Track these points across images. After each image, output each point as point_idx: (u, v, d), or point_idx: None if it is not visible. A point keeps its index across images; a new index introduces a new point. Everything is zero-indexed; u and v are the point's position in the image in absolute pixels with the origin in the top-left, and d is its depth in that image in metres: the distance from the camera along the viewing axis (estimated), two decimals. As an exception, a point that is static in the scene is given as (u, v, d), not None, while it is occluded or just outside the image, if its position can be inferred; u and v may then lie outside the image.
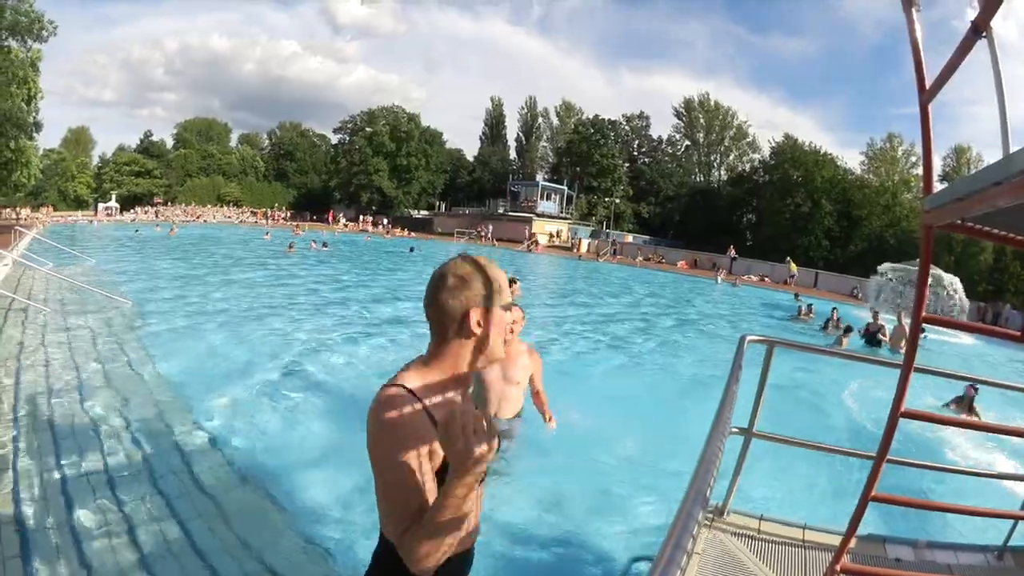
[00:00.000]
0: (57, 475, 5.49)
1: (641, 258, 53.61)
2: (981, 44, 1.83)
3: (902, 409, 2.26)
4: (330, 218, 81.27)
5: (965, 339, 21.11)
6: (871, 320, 18.22)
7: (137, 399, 7.78)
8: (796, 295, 32.64)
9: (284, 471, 6.05)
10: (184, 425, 7.04)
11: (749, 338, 3.81)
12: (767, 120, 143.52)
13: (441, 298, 2.17)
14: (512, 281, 17.57)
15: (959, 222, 1.97)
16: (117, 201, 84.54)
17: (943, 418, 2.99)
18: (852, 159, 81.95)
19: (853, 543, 2.88)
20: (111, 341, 10.98)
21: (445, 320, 2.18)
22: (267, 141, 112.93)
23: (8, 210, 61.10)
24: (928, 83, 2.01)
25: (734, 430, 3.64)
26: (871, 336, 17.54)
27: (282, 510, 5.29)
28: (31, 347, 9.99)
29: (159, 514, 4.95)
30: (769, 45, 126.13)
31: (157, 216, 77.56)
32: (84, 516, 4.81)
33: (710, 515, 4.13)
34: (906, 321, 17.90)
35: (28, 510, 4.85)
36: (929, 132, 2.06)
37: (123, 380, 8.60)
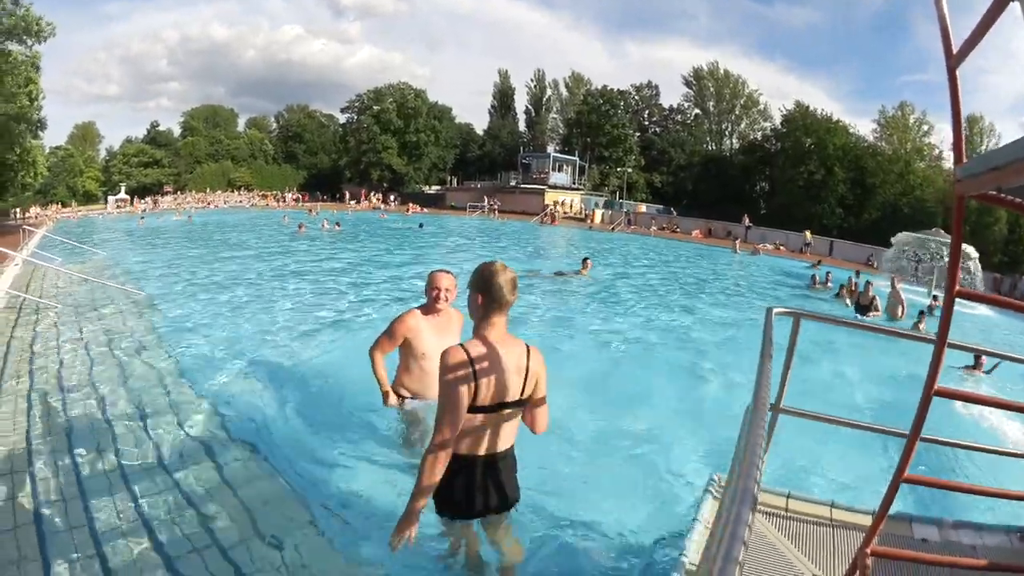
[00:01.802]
0: (74, 473, 5.45)
1: (655, 228, 53.14)
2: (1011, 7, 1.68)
3: (936, 387, 2.15)
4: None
5: (981, 310, 20.63)
6: (856, 288, 18.22)
7: (153, 392, 7.74)
8: (818, 262, 33.13)
9: (308, 462, 5.99)
10: (202, 416, 6.99)
11: (776, 310, 3.63)
12: (776, 89, 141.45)
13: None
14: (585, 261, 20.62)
15: (993, 192, 1.86)
16: (127, 192, 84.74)
17: (979, 397, 2.61)
18: (864, 127, 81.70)
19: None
20: (125, 334, 10.87)
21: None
22: (275, 124, 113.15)
23: (17, 210, 61.81)
24: (955, 48, 1.89)
25: None
26: (863, 308, 17.01)
27: (305, 501, 5.20)
28: (44, 345, 9.95)
29: (178, 509, 4.90)
30: (775, 13, 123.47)
31: (156, 205, 77.94)
32: (101, 513, 4.77)
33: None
34: (900, 286, 18.49)
35: (45, 510, 4.80)
36: (958, 99, 1.94)
37: (138, 373, 8.54)
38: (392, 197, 78.53)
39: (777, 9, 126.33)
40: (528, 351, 3.63)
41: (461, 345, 3.46)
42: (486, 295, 3.48)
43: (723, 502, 3.46)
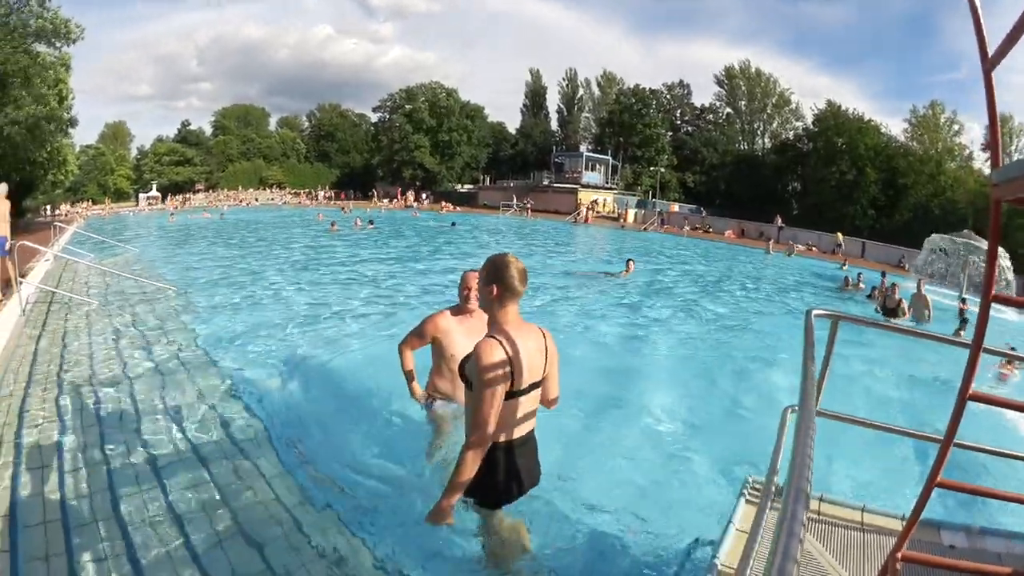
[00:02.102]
0: (103, 466, 5.48)
1: (688, 227, 52.68)
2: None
3: (970, 391, 2.12)
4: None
5: (1009, 313, 19.83)
6: (888, 291, 17.44)
7: (184, 386, 7.78)
8: (845, 263, 33.59)
9: (339, 458, 5.98)
10: (233, 412, 7.00)
11: (815, 312, 3.57)
12: (808, 88, 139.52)
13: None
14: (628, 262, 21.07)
15: (1030, 196, 1.83)
16: (158, 190, 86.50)
17: (1014, 403, 2.44)
18: (895, 127, 79.90)
19: (909, 529, 2.76)
20: (156, 328, 11.01)
21: None
22: (307, 123, 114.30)
23: (48, 207, 62.60)
24: (990, 50, 1.87)
25: (794, 408, 3.55)
26: (889, 311, 16.54)
27: (336, 498, 5.18)
28: (75, 339, 9.99)
29: (207, 504, 4.89)
30: (805, 12, 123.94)
31: (187, 203, 79.38)
32: (129, 507, 4.78)
33: (772, 493, 3.93)
34: (926, 289, 18.02)
35: (73, 502, 4.82)
36: (994, 102, 1.92)
37: (170, 367, 8.60)
38: (424, 196, 78.73)
39: (807, 7, 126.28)
40: (543, 333, 3.84)
41: (493, 337, 3.56)
42: (500, 285, 3.60)
43: (761, 503, 3.54)
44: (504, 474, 3.77)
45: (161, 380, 7.99)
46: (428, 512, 3.75)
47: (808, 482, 1.89)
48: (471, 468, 3.55)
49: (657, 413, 7.77)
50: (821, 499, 4.17)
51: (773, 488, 3.60)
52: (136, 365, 8.60)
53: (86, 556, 4.13)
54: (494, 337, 3.57)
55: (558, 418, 5.82)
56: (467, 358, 3.70)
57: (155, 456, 5.72)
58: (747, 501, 4.19)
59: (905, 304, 16.50)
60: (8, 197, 13.32)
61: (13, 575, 3.91)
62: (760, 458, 5.42)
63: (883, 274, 23.05)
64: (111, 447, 5.87)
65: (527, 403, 3.72)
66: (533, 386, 3.70)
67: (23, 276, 12.45)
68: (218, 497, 5.00)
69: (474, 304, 5.42)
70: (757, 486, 4.32)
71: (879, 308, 17.11)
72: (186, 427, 6.43)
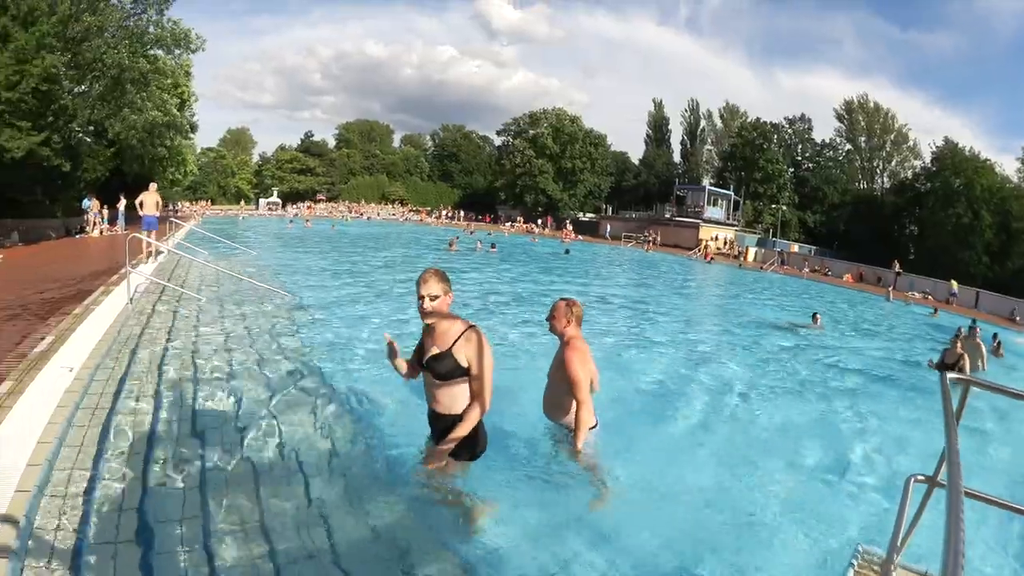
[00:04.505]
0: (196, 463, 5.40)
1: (807, 269, 51.19)
2: None
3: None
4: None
5: None
6: (948, 347, 14.45)
7: (290, 392, 7.69)
8: (935, 311, 32.84)
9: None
10: (340, 423, 6.88)
11: (950, 377, 3.16)
12: (922, 123, 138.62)
13: None
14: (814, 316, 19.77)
15: None
16: (279, 196, 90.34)
17: None
18: (1008, 166, 78.02)
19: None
20: (266, 332, 10.97)
21: None
22: (430, 142, 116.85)
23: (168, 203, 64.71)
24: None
25: (920, 478, 3.39)
26: (947, 367, 13.32)
27: (434, 516, 4.96)
28: (181, 334, 10.05)
29: (300, 514, 4.75)
30: (917, 40, 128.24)
31: (309, 211, 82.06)
32: (217, 508, 4.69)
33: (876, 568, 4.02)
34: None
35: (156, 496, 4.75)
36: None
37: (276, 372, 8.50)
38: (539, 221, 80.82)
39: (918, 36, 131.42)
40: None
41: (475, 327, 4.77)
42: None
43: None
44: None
45: (266, 384, 7.94)
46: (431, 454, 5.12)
47: (961, 568, 1.61)
48: (472, 427, 4.86)
49: (766, 465, 7.25)
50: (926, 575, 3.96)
51: (894, 566, 3.51)
52: (241, 366, 8.59)
53: (157, 550, 4.06)
54: (475, 327, 4.82)
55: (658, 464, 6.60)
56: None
57: (251, 459, 5.65)
58: (856, 571, 4.04)
59: (967, 362, 13.83)
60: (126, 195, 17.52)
61: (76, 558, 3.81)
62: (865, 523, 5.83)
63: (973, 322, 21.10)
64: (205, 444, 5.86)
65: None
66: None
67: (133, 267, 12.35)
68: (312, 509, 4.87)
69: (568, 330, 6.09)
70: (870, 558, 4.16)
71: (933, 361, 14.63)
72: (287, 433, 6.34)
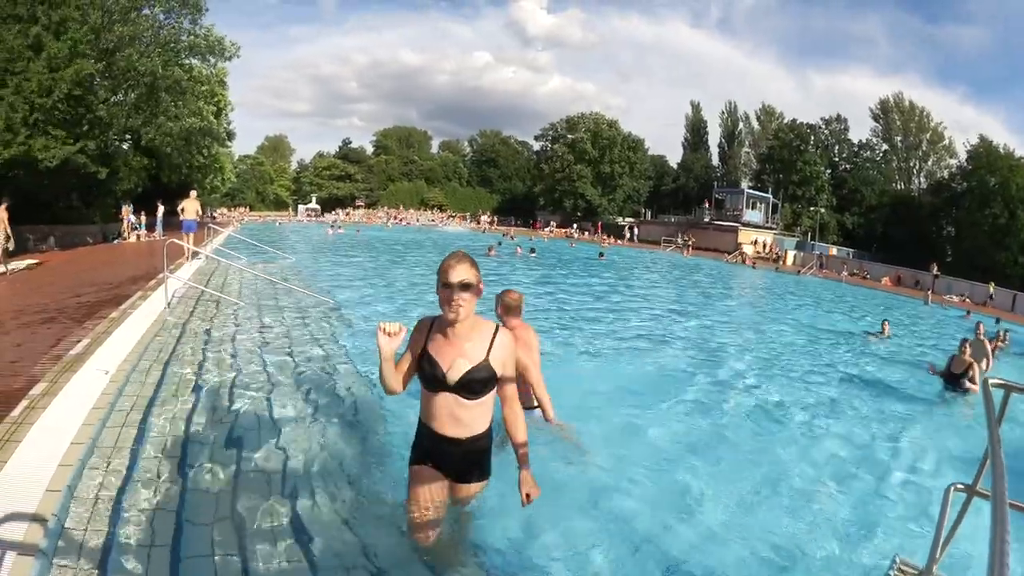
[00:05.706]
0: (232, 467, 5.37)
1: (846, 272, 50.50)
2: None
3: None
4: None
5: None
6: (956, 353, 13.19)
7: (329, 399, 7.63)
8: (968, 313, 33.10)
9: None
10: (379, 433, 6.67)
11: (992, 381, 2.93)
12: (954, 121, 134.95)
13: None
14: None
15: None
16: (317, 203, 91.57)
17: None
18: None
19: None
20: (305, 338, 10.87)
21: None
22: (468, 148, 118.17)
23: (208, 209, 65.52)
24: None
25: (959, 487, 3.31)
26: (954, 376, 12.79)
27: (473, 531, 4.67)
28: (219, 337, 10.05)
29: (334, 524, 4.68)
30: (947, 36, 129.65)
31: (348, 217, 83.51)
32: (250, 512, 4.65)
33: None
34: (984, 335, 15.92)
35: (191, 497, 4.77)
36: None
37: (315, 379, 8.42)
38: (575, 226, 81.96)
39: (949, 32, 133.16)
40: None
41: (500, 326, 3.97)
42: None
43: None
44: None
45: (305, 390, 7.83)
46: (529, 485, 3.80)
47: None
48: None
49: (806, 474, 7.16)
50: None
51: (913, 568, 3.55)
52: (279, 371, 8.50)
53: (189, 553, 4.06)
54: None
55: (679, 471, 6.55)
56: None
57: (287, 465, 5.57)
58: (892, 582, 3.75)
59: (977, 370, 12.68)
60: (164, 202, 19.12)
61: (105, 559, 3.83)
62: (901, 532, 5.80)
63: (997, 321, 21.37)
64: (241, 448, 5.82)
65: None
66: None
67: (171, 272, 12.42)
68: (344, 518, 4.78)
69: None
70: (906, 568, 4.13)
71: (936, 369, 13.54)
72: (323, 440, 6.25)
